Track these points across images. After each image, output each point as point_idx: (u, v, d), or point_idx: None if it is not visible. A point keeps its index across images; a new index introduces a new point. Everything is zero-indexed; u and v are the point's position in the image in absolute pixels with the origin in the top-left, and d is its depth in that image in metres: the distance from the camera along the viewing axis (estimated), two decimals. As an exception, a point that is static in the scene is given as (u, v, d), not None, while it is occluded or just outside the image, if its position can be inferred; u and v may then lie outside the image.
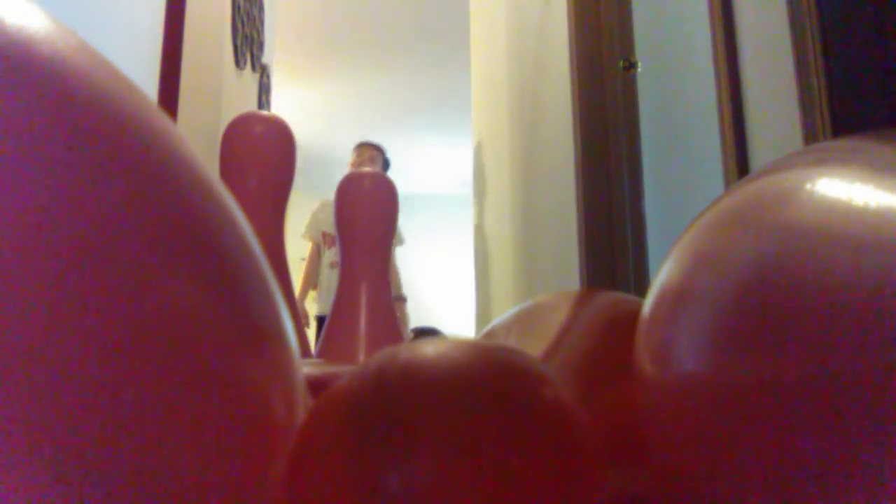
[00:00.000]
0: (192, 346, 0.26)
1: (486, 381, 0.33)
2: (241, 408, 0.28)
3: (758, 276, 0.28)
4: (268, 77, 3.00)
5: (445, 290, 7.04)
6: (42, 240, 0.21)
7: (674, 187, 2.06)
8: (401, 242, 3.14)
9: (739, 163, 1.29)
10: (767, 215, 0.30)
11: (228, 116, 0.96)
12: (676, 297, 0.33)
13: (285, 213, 0.97)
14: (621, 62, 2.08)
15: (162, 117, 0.31)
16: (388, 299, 1.03)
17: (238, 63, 2.40)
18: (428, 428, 0.30)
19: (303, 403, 0.34)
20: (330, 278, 3.11)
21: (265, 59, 2.88)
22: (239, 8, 2.39)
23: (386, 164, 3.33)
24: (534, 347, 0.49)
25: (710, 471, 0.29)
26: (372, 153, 3.32)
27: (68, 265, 0.21)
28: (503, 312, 0.64)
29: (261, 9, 2.80)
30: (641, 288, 1.96)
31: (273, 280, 0.35)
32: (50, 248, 0.21)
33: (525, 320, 0.56)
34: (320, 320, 3.15)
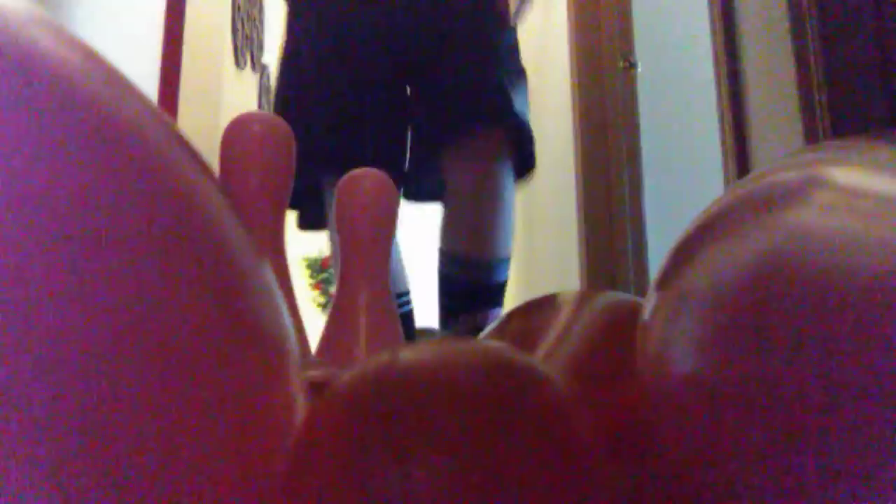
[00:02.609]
0: (190, 346, 0.26)
1: (486, 381, 0.33)
2: (240, 408, 0.28)
3: (758, 276, 0.28)
4: (268, 77, 3.00)
5: (446, 290, 7.00)
6: (40, 241, 0.21)
7: (674, 187, 2.06)
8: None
9: (739, 163, 1.29)
10: (767, 215, 0.30)
11: (228, 116, 0.96)
12: (676, 297, 0.33)
13: (285, 213, 0.97)
14: (621, 62, 2.09)
15: (162, 117, 0.31)
16: (389, 299, 1.03)
17: (238, 63, 2.40)
18: (428, 428, 0.30)
19: (303, 403, 0.34)
20: None
21: (265, 59, 2.89)
22: (239, 8, 2.39)
23: None
24: (534, 347, 0.49)
25: (711, 470, 0.29)
26: None
27: (67, 265, 0.21)
28: (503, 312, 0.64)
29: (261, 9, 2.80)
30: (641, 288, 1.96)
31: (273, 280, 0.35)
32: (48, 249, 0.21)
33: (525, 320, 0.56)
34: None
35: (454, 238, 1.26)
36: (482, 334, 0.67)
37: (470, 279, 1.25)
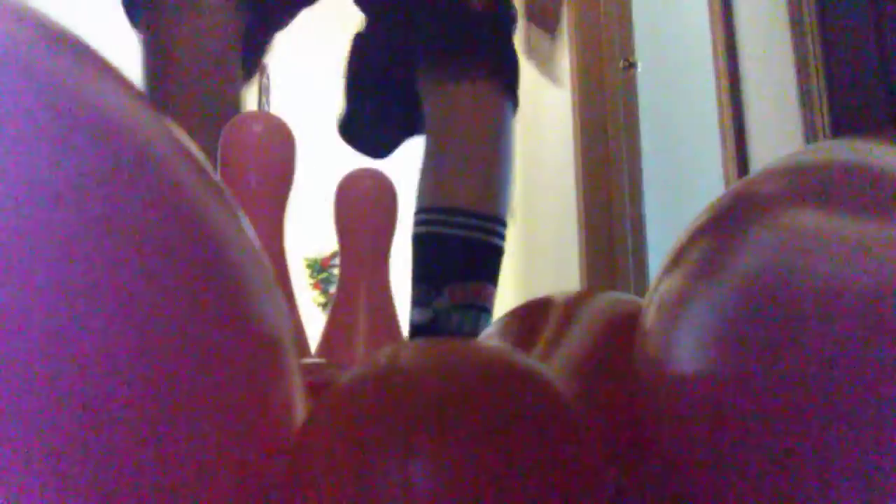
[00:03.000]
0: (188, 346, 0.26)
1: (485, 381, 0.33)
2: (240, 408, 0.28)
3: (758, 277, 0.28)
4: (267, 77, 3.00)
5: (445, 290, 6.98)
6: (39, 241, 0.21)
7: (674, 187, 2.06)
8: None
9: (739, 163, 1.29)
10: (767, 216, 0.30)
11: (228, 116, 0.96)
12: (676, 298, 0.33)
13: (285, 212, 0.97)
14: (621, 62, 2.09)
15: (162, 116, 0.31)
16: (389, 299, 1.03)
17: (238, 63, 2.40)
18: (428, 429, 0.30)
19: (303, 403, 0.34)
20: None
21: (265, 59, 2.88)
22: (239, 8, 2.39)
23: None
24: (534, 347, 0.49)
25: (711, 470, 0.29)
26: None
27: (63, 264, 0.21)
28: (503, 312, 0.64)
29: (261, 9, 2.80)
30: (641, 288, 1.96)
31: (273, 279, 0.35)
32: (44, 247, 0.21)
33: (525, 320, 0.56)
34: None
35: (451, 186, 0.98)
36: (482, 334, 0.67)
37: (468, 237, 0.97)
